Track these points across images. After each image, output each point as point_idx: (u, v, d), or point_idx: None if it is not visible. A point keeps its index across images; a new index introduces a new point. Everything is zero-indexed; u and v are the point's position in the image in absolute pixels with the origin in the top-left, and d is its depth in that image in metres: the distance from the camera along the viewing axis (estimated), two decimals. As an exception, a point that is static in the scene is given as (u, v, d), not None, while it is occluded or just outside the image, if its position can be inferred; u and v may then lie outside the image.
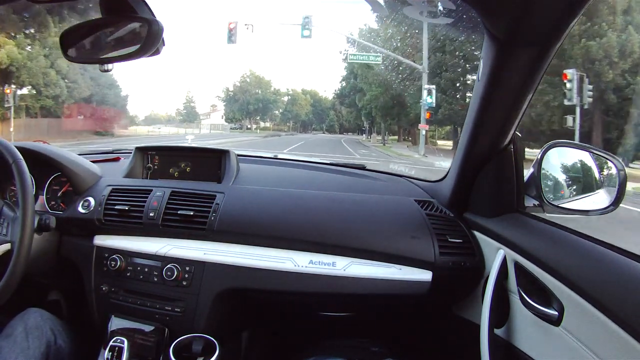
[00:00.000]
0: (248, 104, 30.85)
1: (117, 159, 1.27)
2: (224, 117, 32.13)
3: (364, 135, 27.51)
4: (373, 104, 18.10)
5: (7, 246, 0.80)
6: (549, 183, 0.80)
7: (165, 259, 0.92)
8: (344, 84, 26.13)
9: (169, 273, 0.90)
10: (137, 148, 1.16)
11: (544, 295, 0.65)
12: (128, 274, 0.93)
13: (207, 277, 0.90)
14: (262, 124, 33.90)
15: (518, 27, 0.62)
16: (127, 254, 0.94)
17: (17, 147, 0.86)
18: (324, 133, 34.37)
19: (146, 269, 0.92)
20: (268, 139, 22.32)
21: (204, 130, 27.03)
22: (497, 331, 0.77)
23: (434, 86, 11.48)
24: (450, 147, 16.03)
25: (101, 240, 0.97)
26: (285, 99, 35.32)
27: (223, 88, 34.35)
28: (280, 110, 35.04)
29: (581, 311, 0.56)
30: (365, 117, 22.29)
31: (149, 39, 0.56)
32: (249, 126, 31.93)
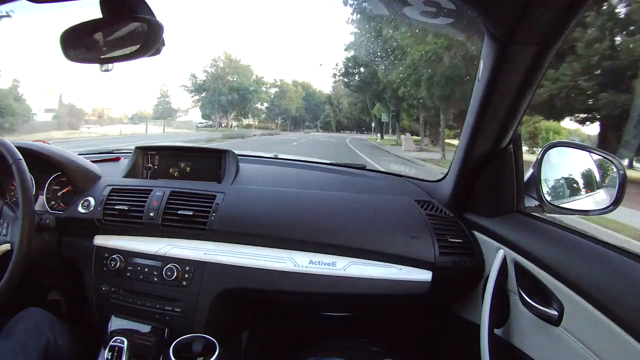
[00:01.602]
0: (220, 94, 22.93)
1: (117, 159, 1.27)
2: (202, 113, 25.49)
3: (376, 134, 20.57)
4: (420, 77, 9.14)
5: (6, 246, 0.80)
6: (549, 183, 0.81)
7: (165, 259, 0.92)
8: (351, 53, 16.56)
9: (169, 273, 0.90)
10: (137, 148, 1.17)
11: (544, 295, 0.65)
12: (128, 274, 0.93)
13: (207, 277, 0.90)
14: (245, 121, 26.87)
15: (518, 27, 0.62)
16: (127, 254, 0.94)
17: (17, 146, 0.87)
18: (318, 131, 28.56)
19: (146, 269, 0.92)
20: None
21: (154, 129, 19.09)
22: (497, 331, 0.77)
23: None
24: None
25: (101, 240, 0.98)
26: (273, 91, 28.57)
27: (190, 75, 24.63)
28: (266, 104, 28.01)
29: (581, 311, 0.56)
30: (389, 102, 13.75)
31: (149, 39, 0.56)
32: (224, 123, 24.49)
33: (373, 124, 22.22)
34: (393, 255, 0.89)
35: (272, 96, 28.83)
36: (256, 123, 28.15)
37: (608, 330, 0.51)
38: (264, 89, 27.35)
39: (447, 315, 1.01)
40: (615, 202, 0.72)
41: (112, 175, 1.10)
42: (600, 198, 0.76)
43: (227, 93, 23.48)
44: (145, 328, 0.90)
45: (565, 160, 0.83)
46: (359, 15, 12.84)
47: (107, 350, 0.85)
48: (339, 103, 29.33)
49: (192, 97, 24.20)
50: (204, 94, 23.93)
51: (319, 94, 31.34)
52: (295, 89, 30.00)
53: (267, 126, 28.19)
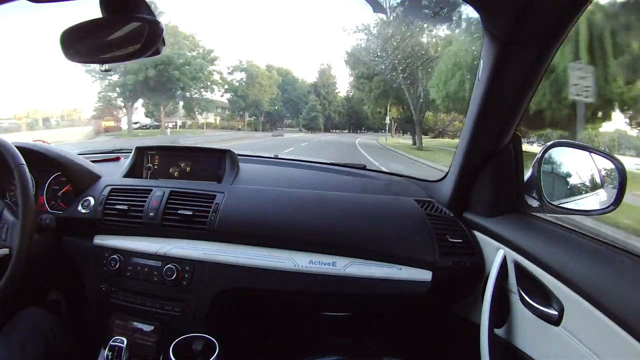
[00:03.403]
0: (127, 72, 13.09)
1: (117, 159, 1.27)
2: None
3: (405, 135, 13.97)
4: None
5: (5, 250, 0.80)
6: (549, 183, 0.80)
7: (165, 259, 0.92)
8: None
9: (168, 273, 0.90)
10: (137, 148, 1.17)
11: (544, 295, 0.65)
12: (128, 274, 0.93)
13: (207, 277, 0.90)
14: (205, 118, 17.95)
15: (518, 27, 0.62)
16: (127, 254, 0.94)
17: (17, 146, 0.87)
18: (300, 130, 20.46)
19: (146, 269, 0.92)
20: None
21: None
22: (497, 331, 0.77)
23: None
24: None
25: (101, 240, 0.98)
26: (238, 77, 18.91)
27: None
28: (229, 95, 18.36)
29: (581, 311, 0.56)
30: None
31: (149, 39, 0.56)
32: (171, 123, 16.10)
33: (387, 120, 14.16)
34: (393, 255, 0.89)
35: (238, 83, 18.97)
36: (218, 121, 19.22)
37: (608, 330, 0.51)
38: (214, 68, 16.46)
39: (447, 315, 1.01)
40: (616, 202, 0.72)
41: (112, 175, 1.10)
42: (600, 198, 0.75)
43: (136, 70, 12.93)
44: (145, 328, 0.90)
45: (565, 160, 0.82)
46: None
47: (107, 350, 0.86)
48: (327, 93, 21.29)
49: (94, 82, 14.06)
50: (113, 77, 13.52)
51: (301, 83, 22.46)
52: (269, 74, 20.44)
53: (233, 125, 19.32)
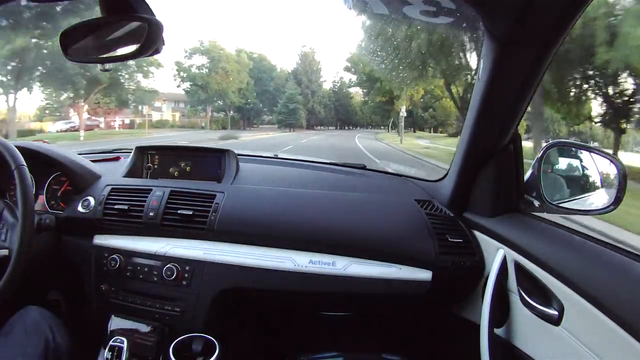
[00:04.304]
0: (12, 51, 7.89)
1: (117, 159, 1.27)
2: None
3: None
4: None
5: (4, 252, 0.80)
6: (549, 183, 0.80)
7: (165, 259, 0.92)
8: None
9: (168, 273, 0.90)
10: (137, 147, 1.17)
11: (544, 295, 0.65)
12: (128, 274, 0.93)
13: (207, 277, 0.90)
14: (155, 115, 13.99)
15: (518, 27, 0.62)
16: (127, 254, 0.94)
17: (17, 146, 0.87)
18: (278, 128, 16.47)
19: (146, 269, 0.92)
20: None
21: None
22: (497, 331, 0.77)
23: None
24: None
25: (101, 239, 0.98)
26: (198, 61, 15.00)
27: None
28: (187, 84, 14.57)
29: (581, 311, 0.56)
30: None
31: (149, 39, 0.56)
32: (74, 124, 11.68)
33: (403, 111, 10.60)
34: (393, 255, 0.89)
35: (196, 70, 14.92)
36: (177, 118, 15.14)
37: (608, 330, 0.51)
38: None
39: (447, 315, 1.01)
40: (616, 202, 0.72)
41: (112, 175, 1.10)
42: (600, 198, 0.76)
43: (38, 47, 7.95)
44: (145, 328, 0.90)
45: (565, 159, 0.83)
46: None
47: (107, 350, 0.86)
48: (310, 82, 16.96)
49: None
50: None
51: (280, 72, 17.98)
52: (237, 57, 15.79)
53: (195, 122, 15.16)
